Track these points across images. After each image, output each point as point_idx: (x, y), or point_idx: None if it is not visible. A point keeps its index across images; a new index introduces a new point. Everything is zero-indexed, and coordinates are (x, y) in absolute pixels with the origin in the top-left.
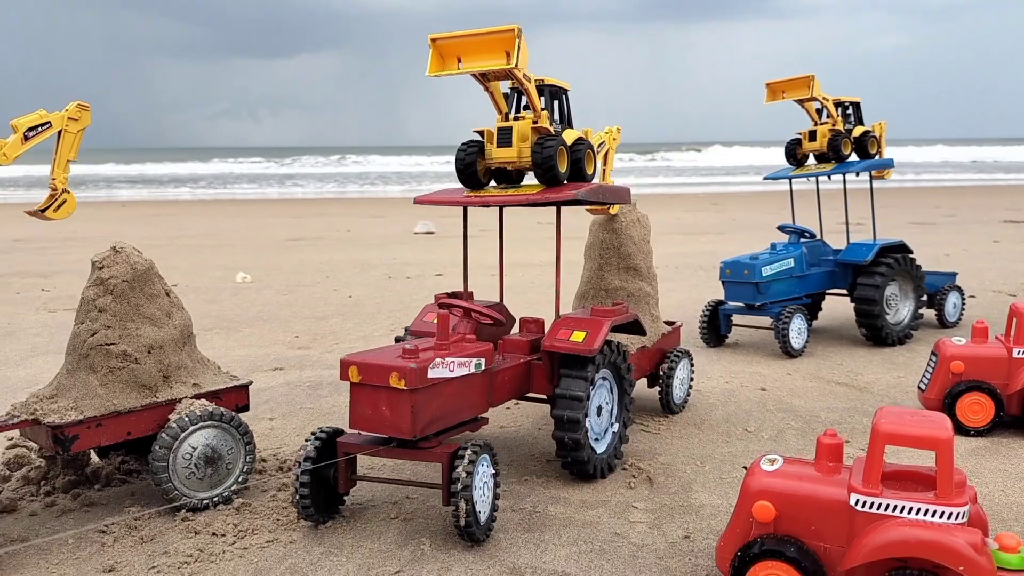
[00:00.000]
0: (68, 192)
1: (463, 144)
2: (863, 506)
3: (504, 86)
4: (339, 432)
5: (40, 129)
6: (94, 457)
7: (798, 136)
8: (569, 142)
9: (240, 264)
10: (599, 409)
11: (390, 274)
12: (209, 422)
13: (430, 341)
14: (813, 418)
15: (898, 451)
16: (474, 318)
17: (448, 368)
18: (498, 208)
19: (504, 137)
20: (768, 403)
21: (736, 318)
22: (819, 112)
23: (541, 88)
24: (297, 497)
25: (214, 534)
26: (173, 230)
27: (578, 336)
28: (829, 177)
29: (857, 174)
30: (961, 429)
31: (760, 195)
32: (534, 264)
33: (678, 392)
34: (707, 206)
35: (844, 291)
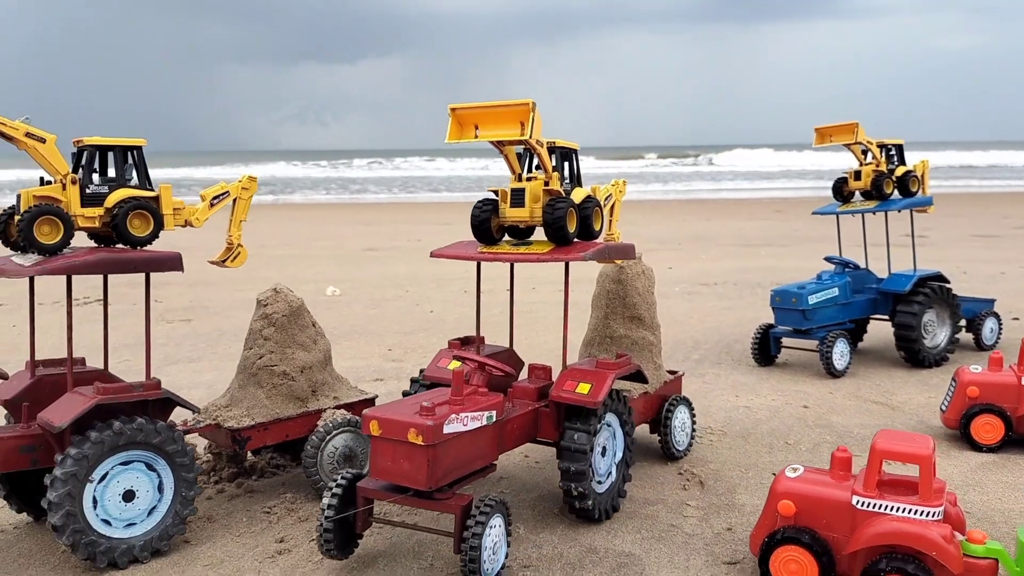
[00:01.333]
0: (242, 246)
1: (478, 203)
2: (862, 505)
3: (518, 147)
4: (359, 476)
5: (221, 197)
6: (249, 454)
7: (845, 175)
8: (578, 201)
9: (326, 276)
10: (603, 450)
11: (465, 288)
12: (347, 428)
13: (445, 394)
14: (847, 433)
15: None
16: (487, 371)
17: (462, 423)
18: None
19: (517, 198)
20: (808, 419)
21: (785, 340)
22: (864, 153)
23: (552, 149)
24: (321, 540)
25: None
26: (255, 238)
27: (584, 388)
28: (874, 213)
29: (899, 211)
30: (974, 446)
31: (823, 201)
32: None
33: (679, 437)
34: (770, 214)
35: (886, 317)
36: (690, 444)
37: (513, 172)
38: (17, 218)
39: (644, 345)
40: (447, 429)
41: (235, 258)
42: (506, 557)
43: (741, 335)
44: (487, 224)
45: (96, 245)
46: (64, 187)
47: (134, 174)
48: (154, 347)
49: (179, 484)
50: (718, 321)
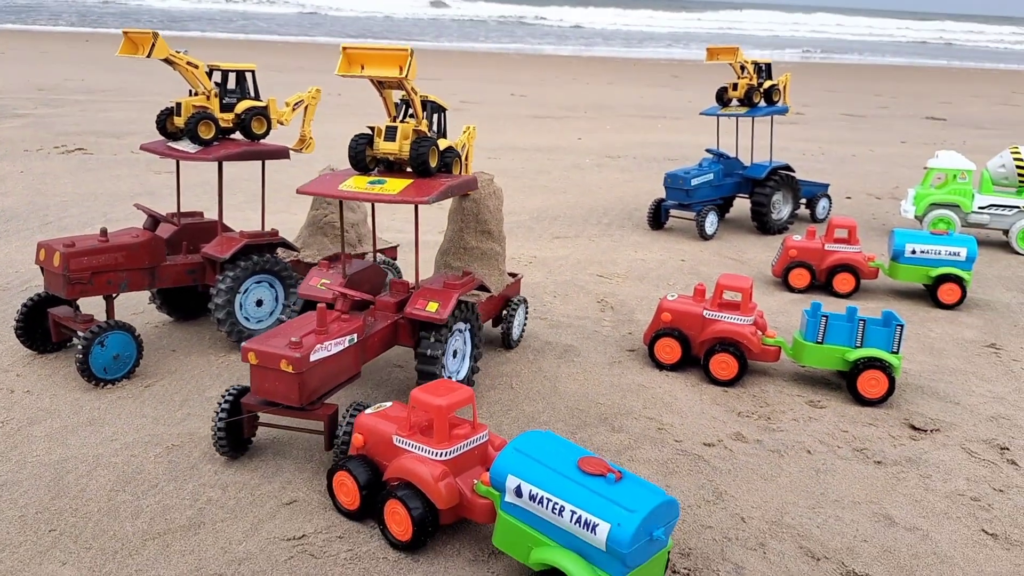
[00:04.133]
0: (312, 138)
1: (356, 136)
2: (709, 315)
3: (396, 96)
4: (246, 390)
5: (299, 104)
6: None
7: (725, 85)
8: (441, 148)
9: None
10: (455, 352)
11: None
12: (385, 265)
13: (312, 323)
14: (709, 278)
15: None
16: (351, 298)
17: (327, 349)
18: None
19: (391, 134)
20: (684, 268)
21: (672, 212)
22: (741, 69)
23: (425, 103)
24: (215, 441)
25: None
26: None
27: (432, 306)
28: (744, 116)
29: (763, 116)
30: (791, 289)
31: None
32: (521, 148)
33: (516, 331)
34: (667, 79)
35: (747, 196)
36: (522, 334)
37: (389, 114)
38: (178, 120)
39: (492, 255)
40: (313, 357)
41: (308, 147)
42: None
43: (639, 205)
44: (363, 156)
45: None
46: (208, 98)
47: (249, 89)
48: (193, 196)
49: (287, 296)
50: (622, 192)
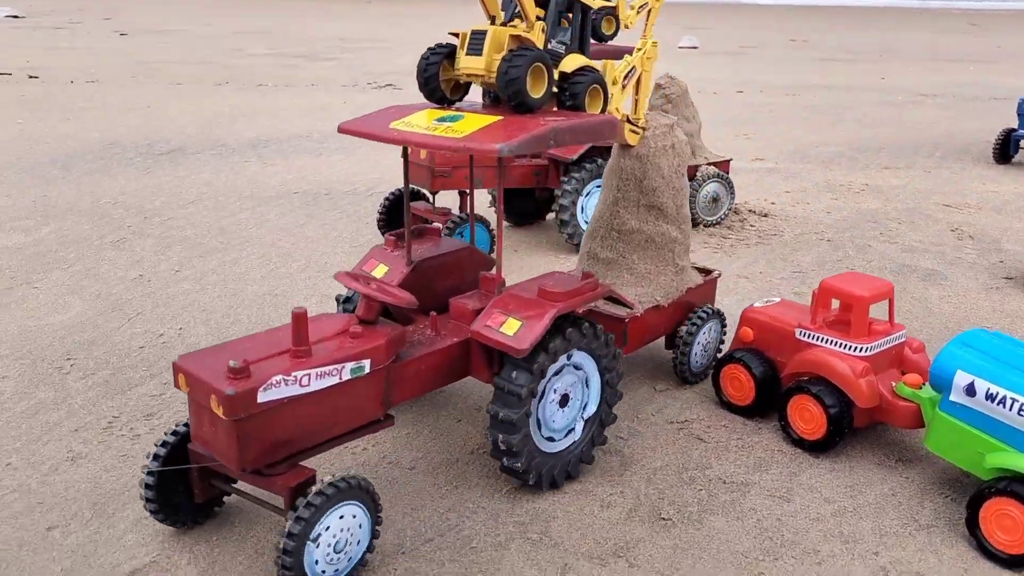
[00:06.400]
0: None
1: (428, 49)
2: None
3: None
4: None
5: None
6: None
7: None
8: (569, 69)
9: None
10: (564, 398)
11: (698, 88)
12: (716, 179)
13: (286, 341)
14: None
15: None
16: (375, 299)
17: (298, 383)
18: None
19: (476, 43)
20: None
21: (1023, 143)
22: None
23: None
24: (143, 496)
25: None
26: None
27: (511, 327)
28: None
29: None
30: None
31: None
32: (817, 86)
33: (698, 359)
34: (965, 27)
35: None
36: (709, 364)
37: (487, 15)
38: None
39: (663, 243)
40: (264, 397)
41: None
42: (364, 558)
43: (972, 140)
44: (435, 78)
45: None
46: None
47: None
48: None
49: None
50: (947, 128)
